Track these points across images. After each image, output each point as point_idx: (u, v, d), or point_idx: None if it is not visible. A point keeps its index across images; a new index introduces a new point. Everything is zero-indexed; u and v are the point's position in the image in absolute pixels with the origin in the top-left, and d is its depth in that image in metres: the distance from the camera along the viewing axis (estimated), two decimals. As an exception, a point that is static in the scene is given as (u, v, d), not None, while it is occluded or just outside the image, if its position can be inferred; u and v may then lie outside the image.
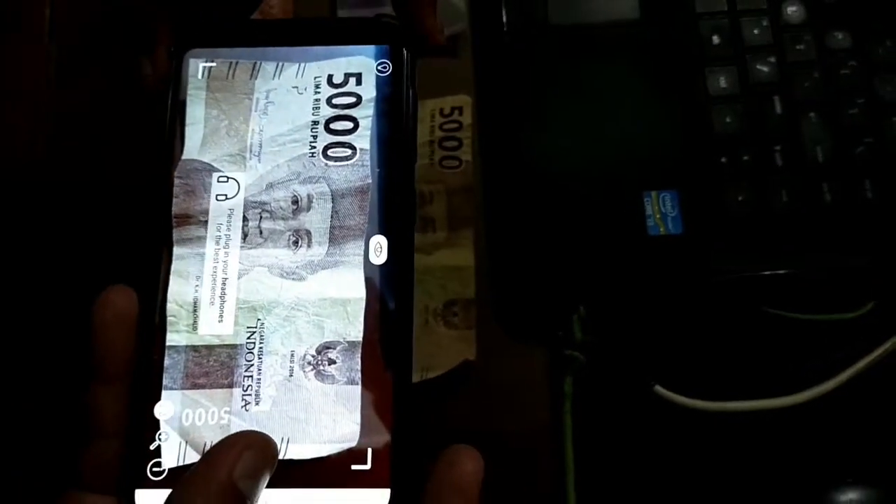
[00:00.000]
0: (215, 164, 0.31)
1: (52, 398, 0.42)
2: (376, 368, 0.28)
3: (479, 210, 0.44)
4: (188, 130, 0.31)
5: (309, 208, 0.30)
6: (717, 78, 0.44)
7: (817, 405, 0.41)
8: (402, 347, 0.29)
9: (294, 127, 0.31)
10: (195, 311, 0.29)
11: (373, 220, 0.30)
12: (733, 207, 0.43)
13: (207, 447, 0.28)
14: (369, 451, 0.28)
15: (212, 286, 0.30)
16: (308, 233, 0.30)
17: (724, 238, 0.42)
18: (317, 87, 0.31)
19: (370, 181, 0.30)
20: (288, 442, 0.28)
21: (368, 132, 0.31)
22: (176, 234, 0.30)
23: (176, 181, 0.30)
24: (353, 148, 0.31)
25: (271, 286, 0.29)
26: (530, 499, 0.42)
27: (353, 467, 0.28)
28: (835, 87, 0.44)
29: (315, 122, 0.31)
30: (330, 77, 0.31)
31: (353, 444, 0.28)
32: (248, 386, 0.29)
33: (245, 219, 0.30)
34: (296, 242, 0.30)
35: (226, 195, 0.30)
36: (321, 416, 0.28)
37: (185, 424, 0.28)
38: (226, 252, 0.30)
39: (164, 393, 0.29)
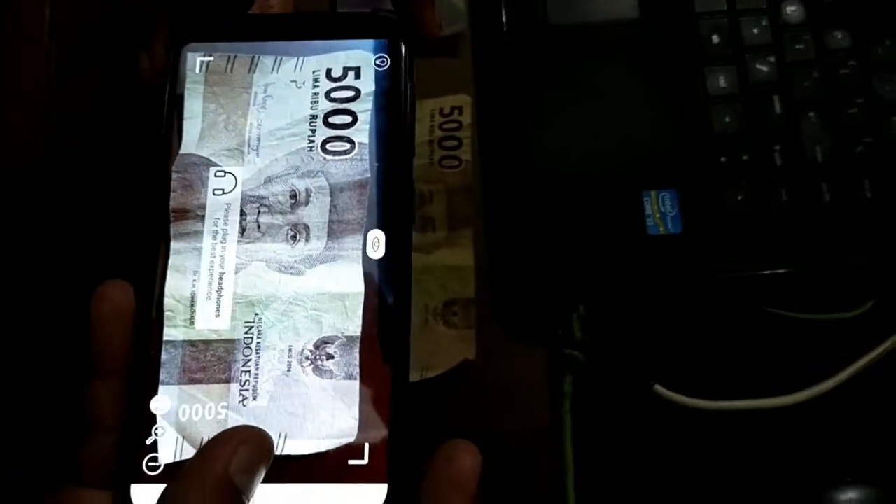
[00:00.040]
0: (213, 159, 0.31)
1: (50, 394, 0.42)
2: (375, 363, 0.28)
3: (479, 209, 0.44)
4: (186, 125, 0.31)
5: (307, 202, 0.30)
6: (716, 77, 0.44)
7: (817, 404, 0.41)
8: (401, 342, 0.29)
9: (292, 121, 0.31)
10: (192, 305, 0.29)
11: (371, 215, 0.30)
12: (733, 207, 0.43)
13: (204, 442, 0.28)
14: (366, 446, 0.28)
15: (209, 281, 0.30)
16: (306, 227, 0.30)
17: (723, 237, 0.42)
18: (315, 81, 0.31)
19: (369, 175, 0.30)
20: (286, 437, 0.28)
21: (367, 126, 0.31)
22: (173, 229, 0.30)
23: (174, 175, 0.30)
24: (351, 142, 0.30)
25: (269, 281, 0.29)
26: (530, 498, 0.42)
27: (351, 462, 0.28)
28: (834, 87, 0.44)
29: (314, 116, 0.31)
30: (329, 71, 0.31)
31: (352, 439, 0.28)
32: (246, 381, 0.29)
33: (243, 213, 0.30)
34: (294, 237, 0.30)
35: (223, 190, 0.30)
36: (319, 411, 0.28)
37: (181, 420, 0.28)
38: (223, 247, 0.30)
39: (160, 388, 0.29)
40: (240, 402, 0.28)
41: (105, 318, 0.29)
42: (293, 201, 0.30)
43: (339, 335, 0.29)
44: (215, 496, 0.25)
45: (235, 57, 0.32)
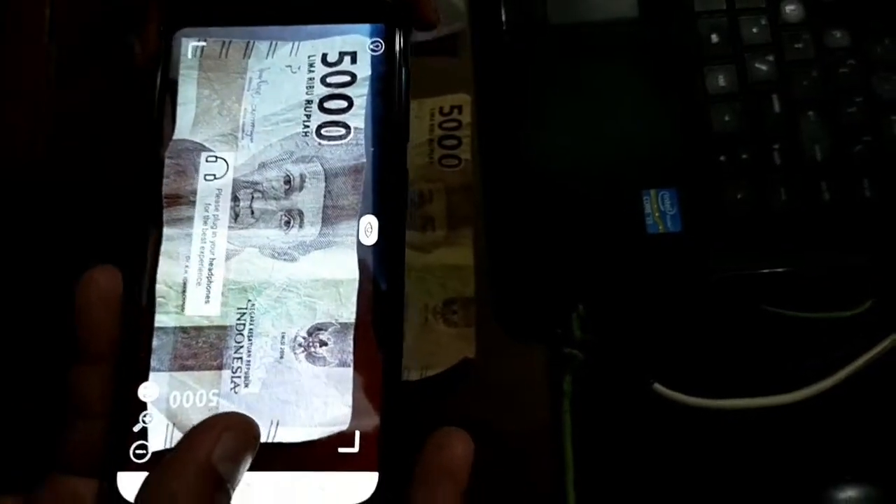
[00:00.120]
0: (207, 144, 0.30)
1: (34, 381, 0.41)
2: (368, 351, 0.28)
3: (479, 208, 0.44)
4: (180, 110, 0.31)
5: (301, 188, 0.30)
6: (715, 76, 0.44)
7: (816, 403, 0.41)
8: (394, 330, 0.29)
9: (287, 106, 0.31)
10: (184, 292, 0.29)
11: (365, 200, 0.29)
12: (732, 206, 0.43)
13: None
14: (357, 433, 0.27)
15: (199, 267, 0.29)
16: (300, 213, 0.30)
17: (722, 236, 0.42)
18: (311, 65, 0.31)
19: (364, 160, 0.30)
20: (277, 425, 0.28)
21: (363, 111, 0.30)
22: (166, 215, 0.30)
23: (167, 161, 0.30)
24: (347, 127, 0.30)
25: (262, 267, 0.29)
26: (530, 497, 0.42)
27: (341, 450, 0.27)
28: (833, 86, 0.44)
29: (309, 101, 0.31)
30: (324, 56, 0.31)
31: (345, 427, 0.27)
32: (238, 368, 0.28)
33: (236, 198, 0.30)
34: (287, 223, 0.30)
35: (214, 175, 0.30)
36: (312, 398, 0.28)
37: (172, 407, 0.28)
38: (213, 232, 0.30)
39: (151, 374, 0.28)
40: (231, 389, 0.28)
41: (92, 304, 0.28)
42: (287, 187, 0.30)
43: (333, 322, 0.28)
44: (198, 484, 0.25)
45: (230, 42, 0.31)
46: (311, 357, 0.28)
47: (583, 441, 0.41)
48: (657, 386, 0.41)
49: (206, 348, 0.28)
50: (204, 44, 0.32)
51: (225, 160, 0.30)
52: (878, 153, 0.43)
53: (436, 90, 0.45)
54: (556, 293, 0.42)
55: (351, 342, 0.28)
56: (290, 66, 0.31)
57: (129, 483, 0.27)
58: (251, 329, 0.29)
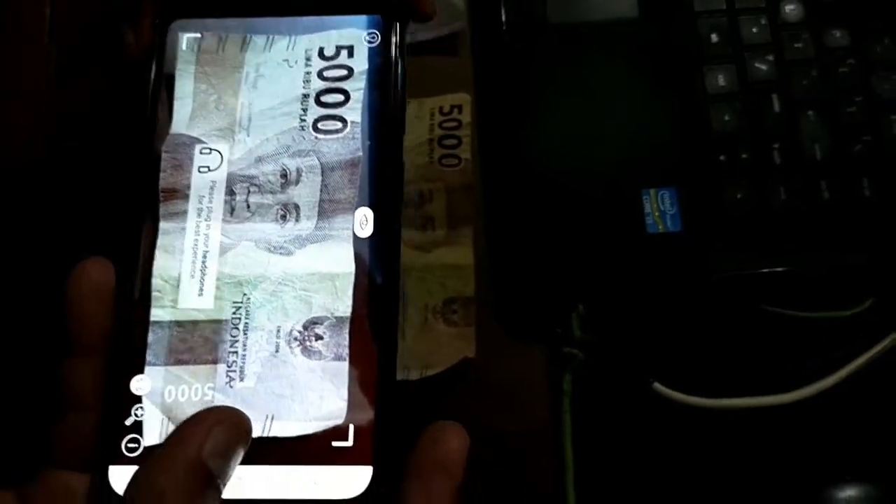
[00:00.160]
0: (203, 139, 0.30)
1: (25, 374, 0.41)
2: (364, 344, 0.28)
3: (479, 208, 0.44)
4: (176, 105, 0.31)
5: (298, 182, 0.30)
6: (715, 76, 0.44)
7: (816, 402, 0.41)
8: (389, 323, 0.28)
9: (284, 100, 0.31)
10: (179, 286, 0.29)
11: (362, 193, 0.29)
12: (732, 205, 0.43)
13: None
14: (352, 427, 0.27)
15: (192, 259, 0.29)
16: (296, 207, 0.30)
17: (722, 236, 0.42)
18: (308, 59, 0.31)
19: (360, 154, 0.30)
20: (273, 419, 0.28)
21: (359, 105, 0.30)
22: (163, 209, 0.30)
23: (164, 156, 0.30)
24: (343, 121, 0.30)
25: (258, 261, 0.29)
26: (530, 495, 0.42)
27: (335, 444, 0.27)
28: (833, 86, 0.44)
29: (305, 96, 0.31)
30: (321, 50, 0.31)
31: (340, 421, 0.27)
32: (233, 362, 0.28)
33: (232, 192, 0.30)
34: (283, 216, 0.29)
35: (208, 167, 0.30)
36: (307, 392, 0.28)
37: (167, 401, 0.28)
38: (207, 224, 0.30)
39: (147, 369, 0.28)
40: (226, 383, 0.28)
41: (83, 296, 0.28)
42: (283, 181, 0.30)
43: (329, 316, 0.28)
44: (187, 480, 0.25)
45: (227, 37, 0.31)
46: (307, 351, 0.28)
47: (583, 440, 0.41)
48: (657, 385, 0.41)
49: (202, 342, 0.28)
50: (199, 36, 0.32)
51: (219, 152, 0.30)
52: (877, 152, 0.43)
53: (436, 90, 0.45)
54: (555, 293, 0.42)
55: (347, 336, 0.28)
56: (286, 61, 0.31)
57: (121, 477, 0.27)
58: (247, 323, 0.29)
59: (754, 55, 0.45)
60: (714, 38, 0.45)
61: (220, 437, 0.26)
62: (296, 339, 0.28)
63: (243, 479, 0.27)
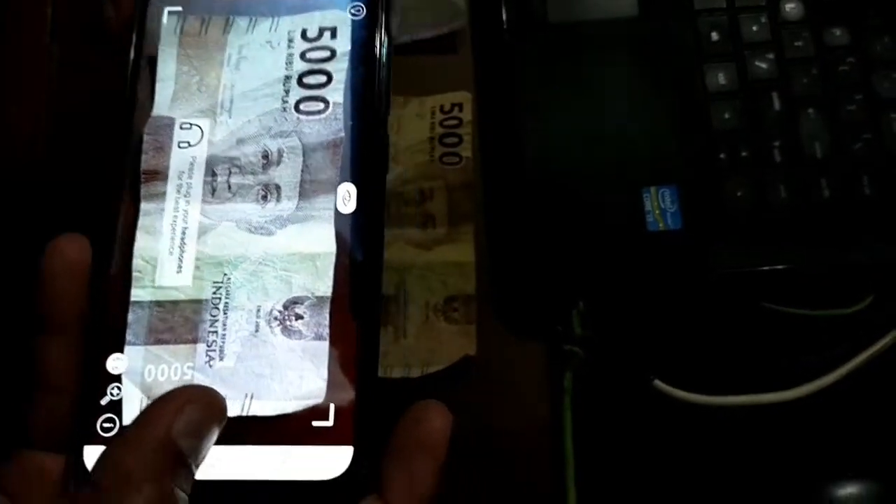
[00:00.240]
0: (185, 120, 0.31)
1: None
2: (344, 324, 0.28)
3: (480, 206, 0.44)
4: (158, 87, 0.31)
5: (279, 162, 0.30)
6: (715, 74, 0.45)
7: (816, 400, 0.41)
8: (371, 302, 0.28)
9: (266, 82, 0.31)
10: (158, 263, 0.29)
11: (344, 170, 0.29)
12: (732, 203, 0.43)
13: None
14: (332, 407, 0.27)
15: (171, 236, 0.29)
16: (277, 187, 0.30)
17: (723, 234, 0.42)
18: (290, 41, 0.31)
19: (342, 135, 0.30)
20: (252, 398, 0.28)
21: (342, 86, 0.30)
22: (144, 190, 0.30)
23: (146, 138, 0.30)
24: (325, 102, 0.30)
25: (239, 241, 0.29)
26: (530, 493, 0.42)
27: (315, 424, 0.27)
28: (833, 84, 0.44)
29: (288, 77, 0.31)
30: (304, 31, 0.31)
31: (320, 400, 0.27)
32: (213, 342, 0.28)
33: (213, 174, 0.30)
34: (265, 197, 0.29)
35: (188, 142, 0.30)
36: (287, 372, 0.28)
37: (147, 380, 0.28)
38: (186, 201, 0.30)
39: (126, 348, 0.28)
40: (206, 362, 0.28)
41: (56, 273, 0.28)
42: (265, 161, 0.30)
43: (310, 295, 0.28)
44: (156, 459, 0.24)
45: (210, 18, 0.31)
46: (287, 331, 0.28)
47: (583, 438, 0.41)
48: (657, 383, 0.41)
49: (182, 322, 0.28)
50: (180, 9, 0.32)
51: (199, 127, 0.30)
52: (877, 151, 0.43)
53: (437, 88, 0.46)
54: (556, 290, 0.42)
55: (327, 315, 0.28)
56: (269, 42, 0.31)
57: (96, 457, 0.26)
58: (227, 303, 0.29)
59: (754, 53, 0.45)
60: (714, 36, 0.45)
61: (191, 415, 0.25)
62: (276, 318, 0.28)
63: (221, 459, 0.27)
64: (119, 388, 0.28)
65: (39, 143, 0.46)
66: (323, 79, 0.31)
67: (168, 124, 0.30)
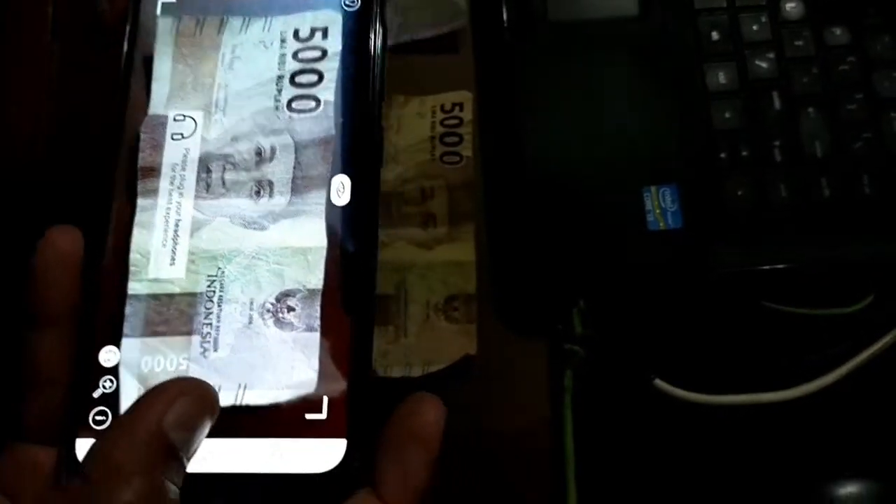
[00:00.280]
0: (178, 112, 0.31)
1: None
2: (336, 316, 0.28)
3: (480, 205, 0.44)
4: (155, 86, 0.31)
5: (272, 159, 0.30)
6: (716, 74, 0.45)
7: (817, 399, 0.41)
8: (363, 295, 0.29)
9: (259, 81, 0.31)
10: (151, 255, 0.29)
11: (336, 165, 0.30)
12: (733, 202, 0.43)
13: None
14: (325, 399, 0.27)
15: (164, 228, 0.30)
16: (270, 183, 0.30)
17: (723, 233, 0.42)
18: (283, 41, 0.32)
19: (333, 132, 0.30)
20: (245, 388, 0.28)
21: (333, 84, 0.31)
22: (140, 187, 0.30)
23: (142, 136, 0.31)
24: (317, 100, 0.31)
25: (233, 236, 0.30)
26: (531, 492, 0.42)
27: (308, 416, 0.27)
28: (833, 83, 0.44)
29: (280, 77, 0.31)
30: (296, 31, 0.32)
31: (311, 390, 0.28)
32: (207, 333, 0.29)
33: (208, 170, 0.30)
34: (258, 193, 0.30)
35: (182, 134, 0.31)
36: (279, 362, 0.28)
37: (144, 371, 0.28)
38: (180, 193, 0.30)
39: (123, 340, 0.28)
40: (201, 353, 0.28)
41: (49, 264, 0.28)
42: (258, 158, 0.30)
43: (301, 288, 0.29)
44: (146, 452, 0.24)
45: (205, 19, 0.32)
46: (279, 322, 0.29)
47: (584, 436, 0.41)
48: (658, 382, 0.41)
49: (177, 315, 0.29)
50: (174, 0, 0.32)
51: (193, 118, 0.31)
52: (877, 150, 0.43)
53: (437, 87, 0.46)
54: (557, 289, 0.42)
55: (318, 308, 0.29)
56: (262, 42, 0.32)
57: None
58: (221, 296, 0.29)
59: (755, 53, 0.45)
60: (715, 35, 0.45)
61: (182, 408, 0.25)
62: (268, 310, 0.29)
63: (214, 452, 0.27)
64: (112, 381, 0.28)
65: (39, 143, 0.46)
66: (314, 78, 0.31)
67: (164, 122, 0.31)
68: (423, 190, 0.44)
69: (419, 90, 0.46)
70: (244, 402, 0.28)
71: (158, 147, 0.31)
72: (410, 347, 0.41)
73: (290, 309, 0.29)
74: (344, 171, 0.30)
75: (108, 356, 0.28)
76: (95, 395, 0.28)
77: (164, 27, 0.32)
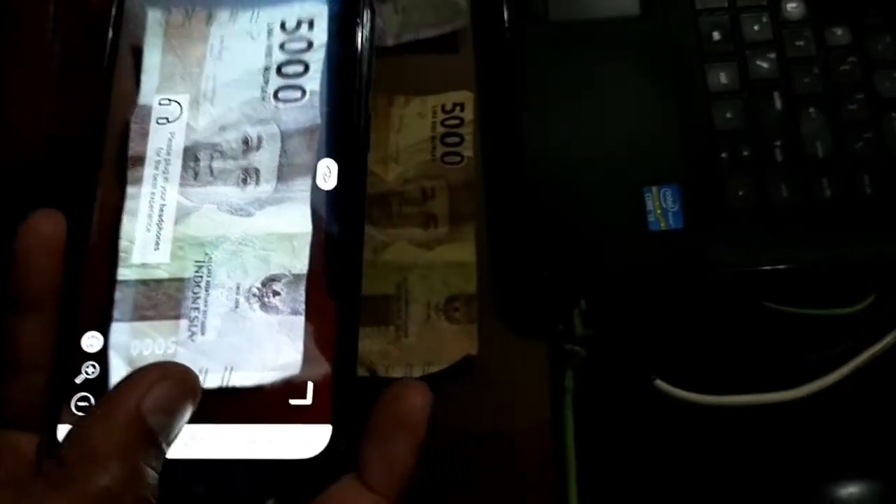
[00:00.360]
0: (163, 96, 0.32)
1: None
2: (321, 301, 0.29)
3: (481, 205, 0.44)
4: (144, 77, 0.32)
5: (258, 148, 0.31)
6: (717, 74, 0.45)
7: (818, 399, 0.41)
8: (349, 279, 0.29)
9: (247, 72, 0.32)
10: (135, 240, 0.30)
11: (321, 151, 0.30)
12: (734, 202, 0.43)
13: None
14: (310, 384, 0.28)
15: (149, 213, 0.30)
16: (256, 171, 0.30)
17: (724, 233, 0.42)
18: (269, 32, 0.32)
19: (318, 122, 0.31)
20: (231, 370, 0.28)
21: (319, 75, 0.31)
22: (130, 175, 0.31)
23: (132, 126, 0.31)
24: (303, 90, 0.31)
25: (220, 222, 0.30)
26: (532, 492, 0.42)
27: (293, 402, 0.27)
28: (834, 83, 0.44)
29: (267, 68, 0.32)
30: (283, 22, 0.32)
31: (296, 372, 0.28)
32: (195, 317, 0.29)
33: (197, 158, 0.31)
34: (244, 180, 0.30)
35: (167, 119, 0.31)
36: (264, 345, 0.28)
37: (132, 354, 0.28)
38: (165, 178, 0.31)
39: (113, 325, 0.29)
40: (188, 337, 0.29)
41: (31, 248, 0.28)
42: (245, 147, 0.31)
43: (287, 273, 0.29)
44: (124, 435, 0.24)
45: (193, 11, 0.33)
46: (265, 306, 0.29)
47: (584, 437, 0.41)
48: (659, 382, 0.41)
49: (165, 299, 0.29)
50: None
51: (178, 103, 0.31)
52: (878, 150, 0.43)
53: (438, 87, 0.46)
54: (558, 289, 0.42)
55: (303, 292, 0.29)
56: (250, 33, 0.32)
57: None
58: (208, 281, 0.29)
59: (756, 53, 0.45)
60: (716, 35, 0.45)
61: (162, 392, 0.25)
62: (254, 295, 0.29)
63: (198, 438, 0.27)
64: (94, 367, 0.28)
65: (39, 143, 0.46)
66: (300, 68, 0.32)
67: (151, 110, 0.32)
68: (424, 190, 0.44)
69: (420, 90, 0.45)
70: (230, 384, 0.28)
71: (146, 136, 0.31)
72: (411, 348, 0.41)
73: (276, 293, 0.29)
74: (330, 156, 0.30)
75: (90, 342, 0.29)
76: (78, 380, 0.28)
77: (154, 19, 0.33)
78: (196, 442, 0.27)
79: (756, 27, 0.45)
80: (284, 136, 0.31)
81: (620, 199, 0.43)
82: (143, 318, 0.29)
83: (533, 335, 0.43)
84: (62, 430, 0.27)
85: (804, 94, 0.44)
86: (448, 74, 0.46)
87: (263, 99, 0.31)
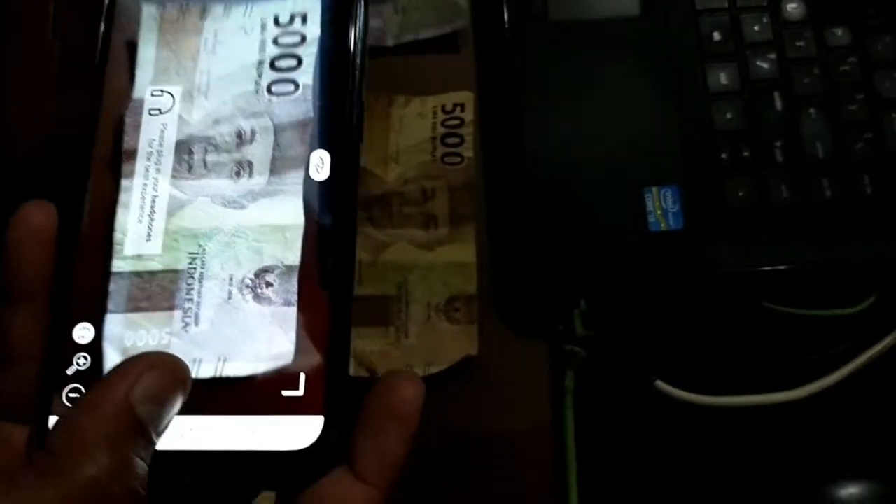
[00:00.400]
0: (156, 87, 0.32)
1: None
2: (313, 292, 0.29)
3: (481, 206, 0.44)
4: (139, 71, 0.32)
5: (252, 141, 0.31)
6: (717, 74, 0.45)
7: (818, 400, 0.41)
8: (341, 270, 0.29)
9: (240, 66, 0.32)
10: (127, 231, 0.30)
11: (314, 143, 0.30)
12: (734, 203, 0.43)
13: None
14: (302, 376, 0.28)
15: (140, 204, 0.30)
16: (250, 164, 0.31)
17: (724, 233, 0.42)
18: (263, 27, 0.32)
19: (311, 115, 0.31)
20: (224, 360, 0.28)
21: (312, 69, 0.31)
22: (125, 168, 0.31)
23: (127, 120, 0.31)
24: (296, 84, 0.31)
25: (214, 215, 0.30)
26: (532, 493, 0.42)
27: (285, 393, 0.28)
28: (834, 84, 0.44)
29: (260, 62, 0.32)
30: (276, 17, 0.32)
31: (288, 362, 0.28)
32: (189, 308, 0.29)
33: (191, 152, 0.31)
34: (238, 173, 0.31)
35: (159, 110, 0.31)
36: (257, 335, 0.29)
37: (127, 345, 0.29)
38: (157, 169, 0.31)
39: (107, 316, 0.29)
40: (182, 328, 0.29)
41: (22, 239, 0.28)
42: (238, 140, 0.31)
43: (279, 264, 0.29)
44: (113, 425, 0.24)
45: (188, 5, 0.33)
46: (258, 297, 0.29)
47: (585, 437, 0.41)
48: (659, 383, 0.41)
49: (159, 291, 0.29)
50: None
51: (171, 94, 0.32)
52: (879, 150, 0.43)
53: (438, 88, 0.46)
54: (558, 290, 0.42)
55: (295, 283, 0.29)
56: (243, 28, 0.32)
57: None
58: (202, 272, 0.30)
59: (756, 53, 0.45)
60: (716, 36, 0.45)
61: (151, 382, 0.25)
62: (247, 286, 0.29)
63: (189, 429, 0.27)
64: (86, 358, 0.28)
65: (39, 142, 0.46)
66: (293, 62, 0.32)
67: (144, 104, 0.32)
68: (424, 190, 0.44)
69: (420, 90, 0.46)
70: (224, 374, 0.28)
71: (139, 128, 0.31)
72: (411, 348, 0.41)
73: (269, 284, 0.29)
74: (323, 147, 0.30)
75: (82, 333, 0.29)
76: (69, 372, 0.28)
77: (148, 13, 0.33)
78: (187, 433, 0.27)
79: (756, 27, 0.45)
80: (277, 130, 0.31)
81: (620, 200, 0.43)
82: (137, 309, 0.29)
83: (533, 335, 0.43)
84: (53, 422, 0.27)
85: (804, 95, 0.44)
86: (448, 75, 0.46)
87: (257, 92, 0.32)
